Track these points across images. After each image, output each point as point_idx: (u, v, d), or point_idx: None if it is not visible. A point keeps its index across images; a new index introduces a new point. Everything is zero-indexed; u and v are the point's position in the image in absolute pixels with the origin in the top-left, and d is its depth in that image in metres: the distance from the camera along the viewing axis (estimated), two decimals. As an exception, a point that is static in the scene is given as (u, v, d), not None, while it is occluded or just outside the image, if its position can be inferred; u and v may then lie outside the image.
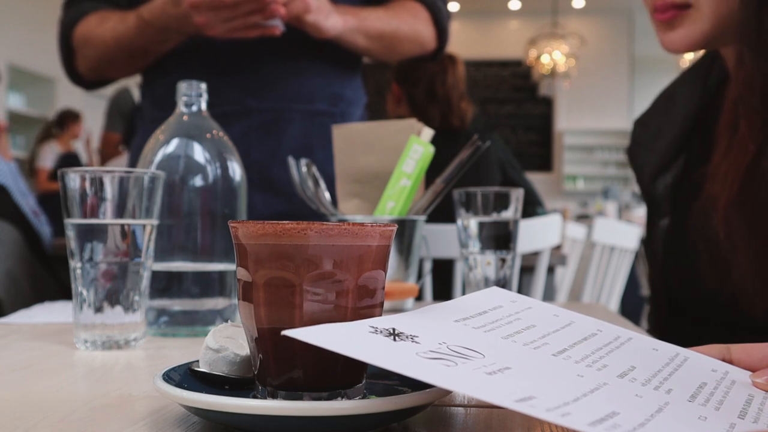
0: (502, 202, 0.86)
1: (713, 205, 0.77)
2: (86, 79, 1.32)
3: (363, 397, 0.43)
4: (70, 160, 5.47)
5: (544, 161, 8.86)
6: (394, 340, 0.37)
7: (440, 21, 1.35)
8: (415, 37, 1.31)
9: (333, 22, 1.17)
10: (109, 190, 0.67)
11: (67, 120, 5.81)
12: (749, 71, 0.74)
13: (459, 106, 2.15)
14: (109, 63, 1.26)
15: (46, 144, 5.84)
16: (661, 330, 0.92)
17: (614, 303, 2.38)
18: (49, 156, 5.70)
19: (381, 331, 0.38)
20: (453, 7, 8.41)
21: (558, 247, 2.26)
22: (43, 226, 1.98)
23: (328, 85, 1.27)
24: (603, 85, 8.60)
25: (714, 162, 0.78)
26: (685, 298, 0.88)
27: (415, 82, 2.15)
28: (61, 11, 1.30)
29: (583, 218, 5.39)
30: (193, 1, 1.05)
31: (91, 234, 0.67)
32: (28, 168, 5.93)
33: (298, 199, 1.20)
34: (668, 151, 0.90)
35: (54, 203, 1.69)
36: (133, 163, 1.32)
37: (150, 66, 1.26)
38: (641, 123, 0.99)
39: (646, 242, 0.97)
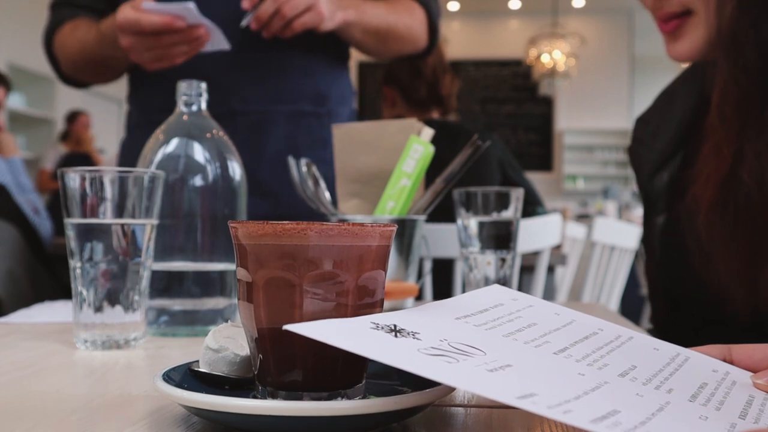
0: (502, 202, 0.86)
1: (696, 207, 0.76)
2: (73, 80, 1.34)
3: (363, 397, 0.42)
4: (71, 160, 5.48)
5: (544, 161, 8.86)
6: (396, 336, 0.37)
7: (433, 21, 1.35)
8: (409, 36, 1.31)
9: (336, 18, 1.17)
10: (109, 190, 0.67)
11: (67, 122, 5.85)
12: (725, 80, 0.73)
13: (444, 77, 2.18)
14: (80, 71, 1.29)
15: (51, 146, 5.87)
16: (662, 328, 0.92)
17: (614, 303, 2.38)
18: (51, 157, 5.72)
19: (382, 328, 0.38)
20: (453, 6, 8.43)
21: (558, 247, 2.26)
22: (43, 221, 1.97)
23: (313, 85, 1.26)
24: (603, 85, 8.60)
25: (698, 165, 0.78)
26: (681, 295, 0.88)
27: (398, 66, 2.18)
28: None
29: (583, 218, 5.38)
30: (119, 22, 1.06)
31: (91, 234, 0.66)
32: (33, 168, 5.96)
33: (286, 201, 1.20)
34: (666, 148, 0.90)
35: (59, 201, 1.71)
36: (123, 162, 1.32)
37: (135, 71, 1.27)
38: (642, 121, 0.99)
39: (644, 240, 0.97)
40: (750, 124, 0.71)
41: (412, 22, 1.31)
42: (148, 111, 1.25)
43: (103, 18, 1.24)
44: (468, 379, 0.34)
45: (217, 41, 1.11)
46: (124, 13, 1.06)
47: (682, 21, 0.78)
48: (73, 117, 5.82)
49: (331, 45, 1.27)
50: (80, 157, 5.57)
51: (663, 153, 0.90)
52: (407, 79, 2.17)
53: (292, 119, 1.25)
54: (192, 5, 1.04)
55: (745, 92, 0.71)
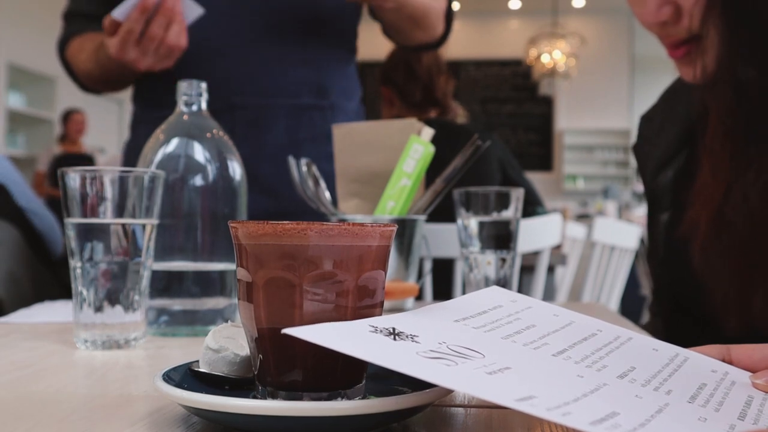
0: (503, 202, 0.86)
1: (693, 233, 0.76)
2: (92, 89, 1.36)
3: (363, 398, 0.43)
4: (66, 160, 5.47)
5: (544, 161, 8.86)
6: (394, 339, 0.37)
7: (450, 11, 1.34)
8: (431, 24, 1.30)
9: None
10: (109, 190, 0.67)
11: (62, 123, 5.85)
12: (712, 117, 0.72)
13: (439, 79, 2.18)
14: (94, 84, 1.32)
15: (45, 148, 5.88)
16: (664, 325, 0.92)
17: (614, 303, 2.38)
18: (44, 159, 5.73)
19: (381, 331, 0.38)
20: (453, 6, 8.42)
21: (558, 247, 2.26)
22: (45, 217, 1.96)
23: (315, 77, 1.25)
24: (603, 85, 8.60)
25: (695, 189, 0.77)
26: (684, 294, 0.88)
27: (393, 67, 2.18)
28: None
29: (583, 218, 5.39)
30: (117, 55, 1.09)
31: (91, 233, 0.67)
32: (30, 169, 5.96)
33: (285, 197, 1.20)
34: (671, 146, 0.90)
35: (55, 208, 1.72)
36: (126, 162, 1.32)
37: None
38: (647, 119, 0.99)
39: (648, 238, 0.97)
40: (736, 161, 0.70)
41: (438, 12, 1.30)
42: (151, 109, 1.25)
43: None
44: (467, 381, 0.34)
45: (190, 10, 1.11)
46: (112, 43, 1.09)
47: (691, 47, 0.76)
48: (67, 116, 5.83)
49: (335, 36, 1.26)
50: (71, 157, 5.58)
51: (667, 150, 0.90)
52: (402, 82, 2.17)
53: (292, 113, 1.24)
54: None
55: (730, 130, 0.71)
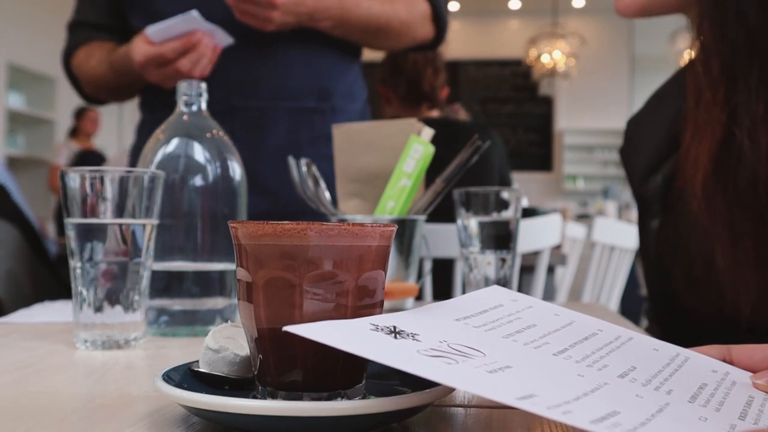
0: (502, 202, 0.86)
1: (691, 190, 0.75)
2: (94, 99, 1.38)
3: (363, 398, 0.42)
4: (86, 157, 5.49)
5: (544, 161, 8.86)
6: (395, 337, 0.37)
7: (439, 12, 1.33)
8: (406, 30, 1.29)
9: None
10: (109, 190, 0.67)
11: (75, 118, 5.88)
12: (707, 50, 0.73)
13: (426, 72, 2.18)
14: (98, 94, 1.34)
15: (63, 142, 5.91)
16: (661, 330, 0.92)
17: (614, 303, 2.38)
18: (63, 153, 5.74)
19: (382, 329, 0.38)
20: (453, 6, 8.42)
21: (558, 247, 2.26)
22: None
23: (317, 80, 1.25)
24: (603, 85, 8.60)
25: (683, 147, 0.77)
26: (679, 298, 0.87)
27: (383, 64, 2.19)
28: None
29: (583, 218, 5.38)
30: (141, 63, 1.10)
31: (91, 234, 0.66)
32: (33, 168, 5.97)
33: (284, 199, 1.20)
34: (659, 151, 0.89)
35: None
36: (132, 165, 1.32)
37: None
38: (634, 122, 0.98)
39: (640, 243, 0.96)
40: (738, 85, 0.70)
41: (410, 16, 1.28)
42: (157, 113, 1.25)
43: (117, 35, 1.27)
44: (468, 380, 0.34)
45: (221, 38, 1.12)
46: (141, 51, 1.09)
47: None
48: (81, 113, 5.87)
49: (338, 39, 1.26)
50: (89, 154, 5.59)
51: (655, 156, 0.90)
52: (388, 76, 2.19)
53: (294, 115, 1.24)
54: (195, 13, 1.05)
55: (727, 60, 0.71)
